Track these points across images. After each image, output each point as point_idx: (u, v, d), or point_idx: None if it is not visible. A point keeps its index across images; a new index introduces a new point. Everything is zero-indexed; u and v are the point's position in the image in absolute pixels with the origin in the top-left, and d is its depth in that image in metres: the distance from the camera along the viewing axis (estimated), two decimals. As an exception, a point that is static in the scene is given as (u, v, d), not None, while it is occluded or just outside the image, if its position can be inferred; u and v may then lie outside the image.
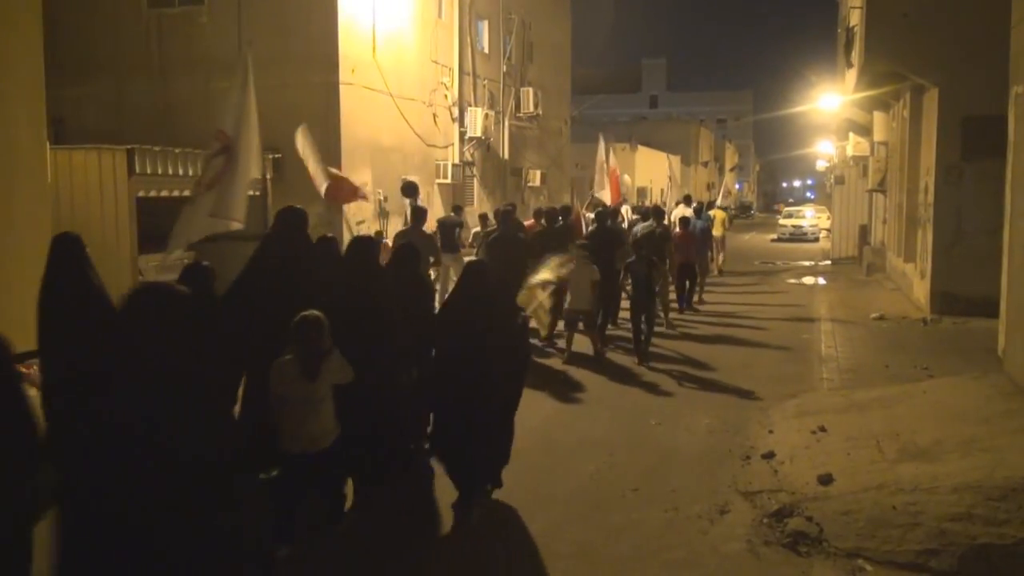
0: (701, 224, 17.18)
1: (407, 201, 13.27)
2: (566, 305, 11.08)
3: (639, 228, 14.30)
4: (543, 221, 13.60)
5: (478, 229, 15.10)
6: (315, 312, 5.17)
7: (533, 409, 8.67)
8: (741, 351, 12.28)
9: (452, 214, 15.16)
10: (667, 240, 14.06)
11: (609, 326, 12.53)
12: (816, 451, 7.25)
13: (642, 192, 37.50)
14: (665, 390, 9.93)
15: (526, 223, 13.97)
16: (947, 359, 11.06)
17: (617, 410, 9.04)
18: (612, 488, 6.74)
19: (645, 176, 42.34)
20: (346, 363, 5.28)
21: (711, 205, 25.55)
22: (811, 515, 5.89)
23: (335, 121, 15.70)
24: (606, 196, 18.49)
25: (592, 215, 14.16)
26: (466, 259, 10.23)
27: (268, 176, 14.38)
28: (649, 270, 11.05)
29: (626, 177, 30.84)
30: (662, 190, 43.58)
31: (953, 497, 5.75)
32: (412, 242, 8.17)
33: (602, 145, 19.46)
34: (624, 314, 12.56)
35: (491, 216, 15.23)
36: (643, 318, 11.03)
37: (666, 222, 15.76)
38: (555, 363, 10.91)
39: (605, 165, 19.19)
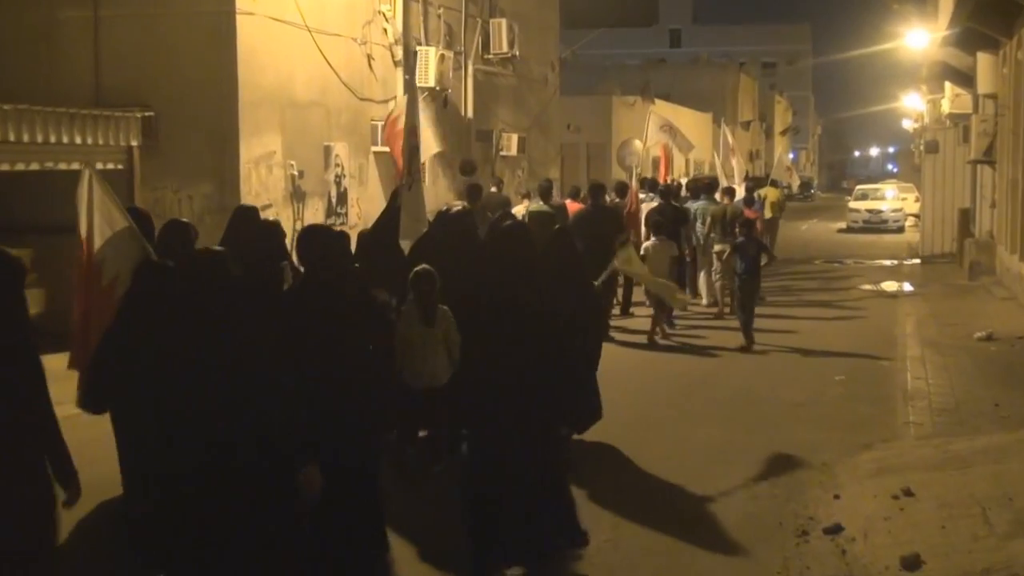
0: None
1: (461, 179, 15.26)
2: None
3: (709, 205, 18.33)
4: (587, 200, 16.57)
5: (520, 208, 16.83)
6: (427, 267, 8.27)
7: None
8: (796, 384, 12.36)
9: (493, 189, 18.16)
10: (739, 219, 16.11)
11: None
12: (899, 523, 7.32)
13: (657, 163, 37.59)
14: (692, 436, 9.98)
15: (567, 203, 17.11)
16: (1078, 395, 11.19)
17: (626, 464, 9.07)
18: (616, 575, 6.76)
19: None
20: (450, 314, 8.18)
21: (759, 181, 25.81)
22: (892, 612, 5.93)
23: (230, 65, 15.59)
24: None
25: (643, 196, 18.45)
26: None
27: (134, 143, 14.30)
28: (759, 251, 14.71)
29: (636, 143, 31.01)
30: (688, 160, 43.79)
31: (1086, 586, 5.81)
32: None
33: (654, 120, 21.35)
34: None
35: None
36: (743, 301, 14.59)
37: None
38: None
39: (666, 136, 20.83)
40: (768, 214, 23.66)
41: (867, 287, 22.05)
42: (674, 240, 15.82)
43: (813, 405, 11.33)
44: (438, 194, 21.23)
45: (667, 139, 23.46)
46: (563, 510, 6.70)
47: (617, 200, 18.00)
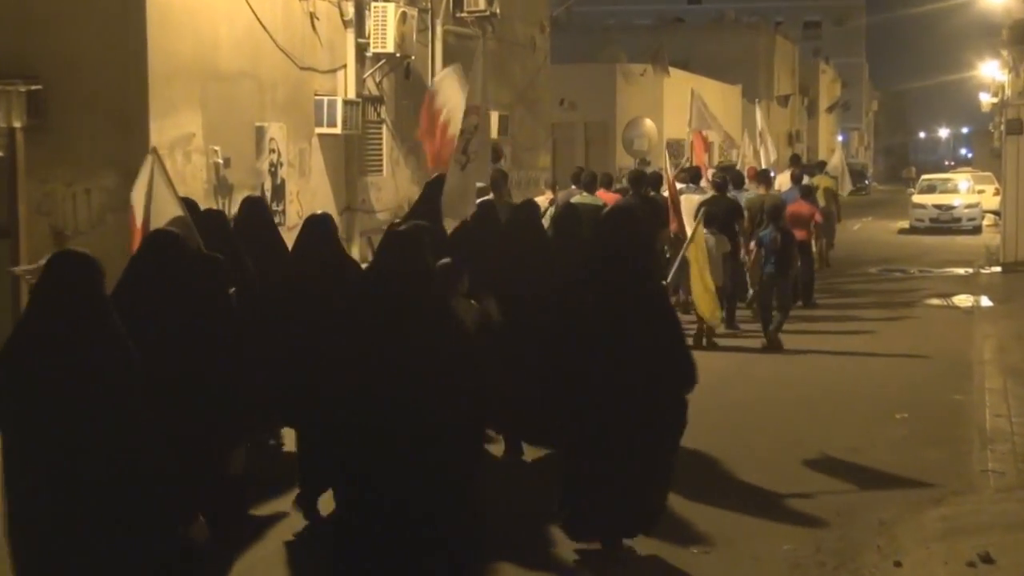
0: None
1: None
2: None
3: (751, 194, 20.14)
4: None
5: (543, 199, 17.80)
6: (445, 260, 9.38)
7: (500, 524, 8.68)
8: (848, 423, 12.41)
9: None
10: (781, 211, 17.71)
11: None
12: (976, 597, 7.33)
13: (674, 146, 37.83)
14: (719, 490, 10.01)
15: (599, 193, 18.43)
16: None
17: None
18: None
19: (681, 119, 42.52)
20: (470, 308, 9.38)
21: (809, 169, 26.26)
22: None
23: (137, 27, 15.63)
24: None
25: (682, 185, 20.06)
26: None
27: (17, 124, 14.28)
28: (785, 242, 16.32)
29: (647, 122, 31.17)
30: (712, 145, 43.87)
31: None
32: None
33: (697, 103, 24.03)
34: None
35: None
36: (774, 299, 16.42)
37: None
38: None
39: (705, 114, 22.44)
40: (820, 203, 23.92)
41: (935, 302, 22.13)
42: (730, 236, 17.40)
43: (869, 449, 11.34)
44: (398, 187, 21.33)
45: (707, 127, 25.06)
46: (650, 496, 8.13)
47: (652, 193, 18.94)
